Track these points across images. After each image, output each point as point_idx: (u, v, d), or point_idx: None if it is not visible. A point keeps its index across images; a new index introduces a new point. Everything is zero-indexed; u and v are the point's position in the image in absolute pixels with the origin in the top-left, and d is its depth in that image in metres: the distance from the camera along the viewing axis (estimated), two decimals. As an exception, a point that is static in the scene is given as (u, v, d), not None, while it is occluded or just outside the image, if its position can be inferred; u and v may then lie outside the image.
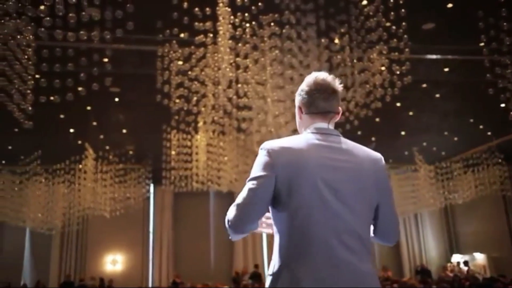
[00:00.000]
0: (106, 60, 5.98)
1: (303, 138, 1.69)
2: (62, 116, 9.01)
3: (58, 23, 4.58)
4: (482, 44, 6.10)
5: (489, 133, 11.17)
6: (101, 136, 10.32)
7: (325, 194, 1.56)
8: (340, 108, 1.78)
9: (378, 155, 1.73)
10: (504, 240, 13.54)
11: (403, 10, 5.36)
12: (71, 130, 10.06)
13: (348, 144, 1.70)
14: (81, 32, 4.93)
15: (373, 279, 1.56)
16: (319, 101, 1.73)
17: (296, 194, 1.57)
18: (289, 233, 1.57)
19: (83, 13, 4.68)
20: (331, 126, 1.73)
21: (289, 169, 1.59)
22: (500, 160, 11.29)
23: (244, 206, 1.62)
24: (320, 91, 1.73)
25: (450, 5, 6.07)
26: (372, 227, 1.70)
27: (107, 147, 10.54)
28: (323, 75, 1.75)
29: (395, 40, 5.82)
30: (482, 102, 8.63)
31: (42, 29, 4.62)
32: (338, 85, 1.76)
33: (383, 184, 1.68)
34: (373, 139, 10.98)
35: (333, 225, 1.54)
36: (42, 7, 4.41)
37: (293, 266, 1.52)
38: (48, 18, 4.51)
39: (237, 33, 5.84)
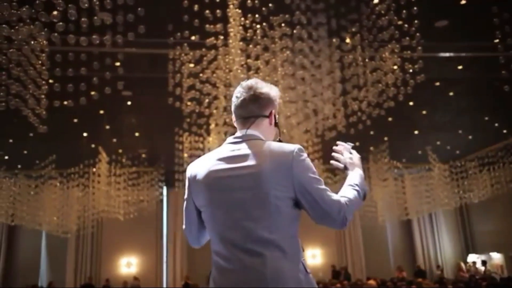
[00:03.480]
0: (118, 64, 6.02)
1: (212, 153, 1.75)
2: (75, 120, 9.11)
3: (70, 28, 4.63)
4: (496, 40, 6.00)
5: (504, 131, 11.00)
6: (114, 140, 10.41)
7: (217, 208, 1.62)
8: (268, 110, 1.76)
9: (288, 149, 1.62)
10: (522, 239, 13.31)
11: (415, 8, 5.30)
12: (85, 134, 10.17)
13: (251, 148, 1.65)
14: (94, 36, 4.97)
15: (284, 274, 1.50)
16: (235, 108, 1.78)
17: (202, 214, 1.71)
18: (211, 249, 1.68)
19: (95, 17, 4.72)
20: (252, 131, 1.72)
21: (191, 190, 1.73)
22: (516, 158, 11.11)
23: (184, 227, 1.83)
24: (236, 98, 1.77)
25: (463, 1, 5.99)
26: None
27: (120, 151, 10.62)
28: (244, 82, 1.79)
29: (407, 38, 5.75)
30: (497, 99, 8.52)
31: (55, 34, 4.67)
32: (259, 88, 1.75)
33: (297, 177, 1.57)
34: (385, 138, 10.90)
35: (228, 236, 1.58)
36: (55, 13, 4.46)
37: (213, 276, 1.64)
38: (60, 23, 4.55)
39: (248, 34, 5.83)
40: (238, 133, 1.75)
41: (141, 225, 13.22)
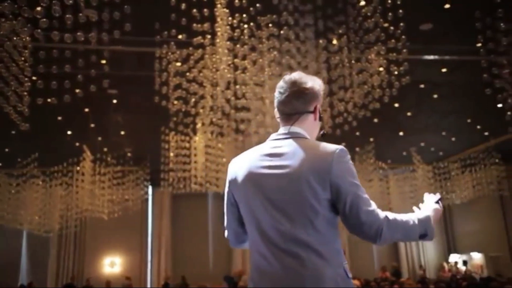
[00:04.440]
0: (103, 61, 5.96)
1: (255, 148, 1.71)
2: (59, 118, 8.98)
3: (55, 24, 4.56)
4: (479, 44, 6.11)
5: (486, 133, 11.19)
6: (99, 138, 10.28)
7: (256, 206, 1.59)
8: (313, 106, 1.70)
9: (329, 149, 1.55)
10: (501, 239, 13.57)
11: (400, 11, 5.36)
12: (69, 132, 10.04)
13: (292, 147, 1.60)
14: (78, 33, 4.91)
15: (324, 277, 1.46)
16: (278, 104, 1.72)
17: (241, 210, 1.68)
18: (249, 249, 1.66)
19: (80, 14, 4.66)
20: (296, 129, 1.67)
21: (231, 186, 1.70)
22: (497, 160, 11.34)
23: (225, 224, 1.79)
24: (280, 93, 1.71)
25: (447, 6, 6.07)
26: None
27: (105, 149, 10.50)
28: (288, 76, 1.71)
29: (393, 40, 5.81)
30: (480, 102, 8.66)
31: (39, 30, 4.60)
32: (303, 83, 1.68)
33: (335, 179, 1.51)
34: (371, 139, 11.00)
35: (267, 235, 1.54)
36: (38, 8, 4.39)
37: (251, 275, 1.62)
38: (44, 20, 4.48)
39: (235, 34, 5.83)
40: (282, 130, 1.70)
41: (126, 224, 13.10)
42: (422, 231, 1.62)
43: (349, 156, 1.58)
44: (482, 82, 6.50)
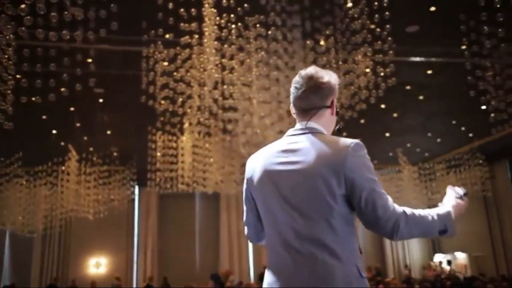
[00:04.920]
0: (89, 60, 5.90)
1: (272, 145, 1.69)
2: (44, 117, 8.86)
3: (39, 22, 4.50)
4: (464, 47, 6.20)
5: (470, 135, 11.36)
6: (85, 138, 10.17)
7: (271, 204, 1.57)
8: (329, 100, 1.68)
9: (343, 144, 1.52)
10: (485, 239, 13.79)
11: (387, 13, 5.40)
12: (54, 132, 9.91)
13: (307, 142, 1.58)
14: (64, 31, 4.85)
15: (335, 277, 1.43)
16: (295, 100, 1.70)
17: (259, 208, 1.66)
18: (266, 246, 1.64)
19: (66, 12, 4.60)
20: (312, 124, 1.64)
21: (249, 183, 1.69)
22: (481, 161, 11.51)
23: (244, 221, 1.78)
24: (296, 88, 1.68)
25: (433, 8, 6.15)
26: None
27: (91, 149, 10.40)
28: (303, 71, 1.70)
29: (379, 42, 5.86)
30: (464, 104, 8.78)
31: (23, 28, 4.53)
32: (320, 78, 1.65)
33: (349, 174, 1.47)
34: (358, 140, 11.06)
35: (282, 234, 1.52)
36: (22, 6, 4.32)
37: (266, 274, 1.59)
38: (28, 17, 4.41)
39: (223, 34, 5.82)
40: (298, 125, 1.67)
41: (112, 224, 12.99)
42: (442, 227, 1.59)
43: (365, 151, 1.54)
44: (466, 84, 6.59)
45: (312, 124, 1.65)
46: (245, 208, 1.74)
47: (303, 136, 1.61)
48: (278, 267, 1.53)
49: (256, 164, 1.66)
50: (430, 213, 1.57)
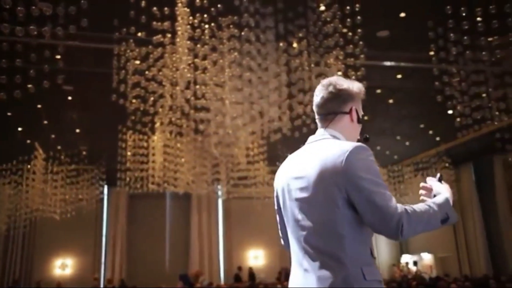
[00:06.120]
0: (58, 57, 5.74)
1: (294, 154, 1.72)
2: (9, 113, 8.58)
3: (5, 16, 4.36)
4: (431, 53, 6.38)
5: (437, 139, 11.69)
6: (53, 136, 9.90)
7: (289, 211, 1.63)
8: (348, 107, 1.69)
9: (344, 147, 1.53)
10: (449, 241, 14.21)
11: (359, 17, 5.50)
12: (19, 129, 9.60)
13: (317, 148, 1.60)
14: (31, 27, 4.71)
15: (334, 277, 1.45)
16: (315, 107, 1.73)
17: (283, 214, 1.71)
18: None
19: (33, 7, 4.47)
20: (329, 130, 1.66)
21: (276, 192, 1.74)
22: (447, 165, 11.89)
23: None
24: (316, 96, 1.72)
25: (403, 14, 6.30)
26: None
27: (59, 147, 10.14)
28: (325, 79, 1.73)
29: (351, 46, 5.96)
30: (432, 108, 9.02)
31: (-12, 22, 4.38)
32: (339, 85, 1.68)
33: (349, 176, 1.48)
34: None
35: (300, 239, 1.58)
36: (-12, -1, 4.18)
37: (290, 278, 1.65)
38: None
39: (196, 34, 5.78)
40: (317, 132, 1.70)
41: (79, 225, 12.71)
42: (444, 216, 1.59)
43: (367, 153, 1.53)
44: (434, 89, 6.79)
45: (329, 130, 1.67)
46: (277, 218, 1.78)
47: (317, 143, 1.64)
48: (292, 270, 1.62)
49: (280, 173, 1.73)
50: (430, 204, 1.58)
